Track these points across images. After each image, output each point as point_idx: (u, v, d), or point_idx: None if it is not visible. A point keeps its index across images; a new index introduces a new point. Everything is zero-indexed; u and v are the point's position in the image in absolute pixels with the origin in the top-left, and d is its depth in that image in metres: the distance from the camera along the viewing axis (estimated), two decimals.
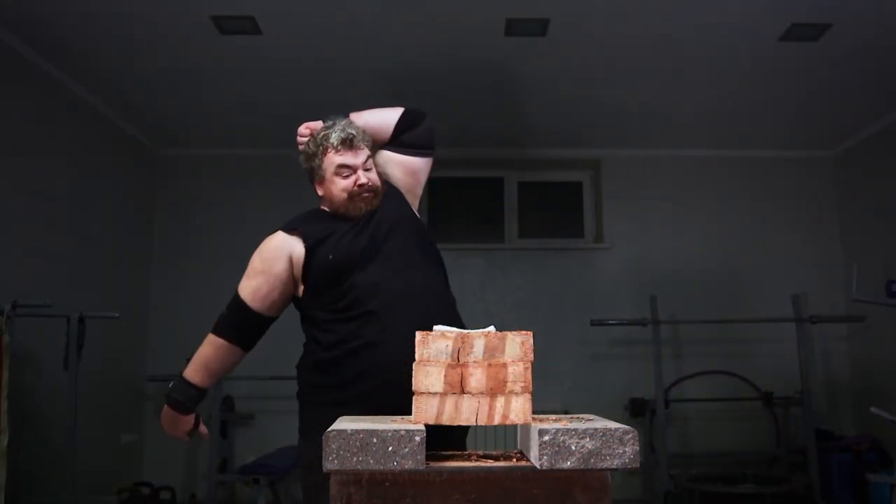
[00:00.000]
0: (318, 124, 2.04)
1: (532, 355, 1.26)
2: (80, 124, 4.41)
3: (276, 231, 1.97)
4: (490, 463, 1.24)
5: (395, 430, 1.17)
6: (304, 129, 2.06)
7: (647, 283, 5.05)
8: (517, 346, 1.26)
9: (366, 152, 1.97)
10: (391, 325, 1.81)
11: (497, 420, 1.24)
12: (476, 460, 1.27)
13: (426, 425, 1.23)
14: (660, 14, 3.50)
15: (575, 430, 1.16)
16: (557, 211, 5.68)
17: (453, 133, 4.98)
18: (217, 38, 3.68)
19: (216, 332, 1.96)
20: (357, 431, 1.16)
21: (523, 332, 1.27)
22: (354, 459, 1.15)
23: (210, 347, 1.96)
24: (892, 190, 4.80)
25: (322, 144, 1.95)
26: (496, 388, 1.25)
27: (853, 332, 5.21)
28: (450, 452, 1.36)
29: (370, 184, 1.95)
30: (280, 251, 1.93)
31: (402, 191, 2.07)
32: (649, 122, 4.98)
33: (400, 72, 4.12)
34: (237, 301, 1.95)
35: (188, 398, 1.95)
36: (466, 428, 1.56)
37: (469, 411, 1.24)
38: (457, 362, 1.25)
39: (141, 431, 5.10)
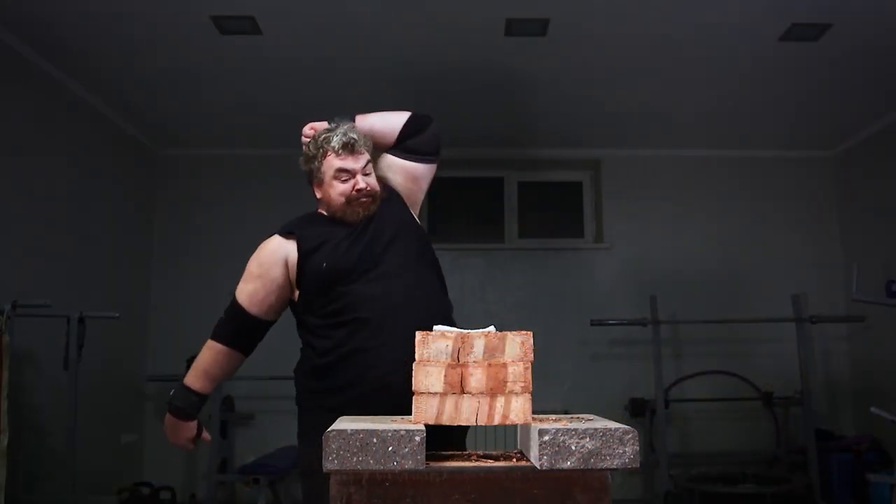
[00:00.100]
0: (324, 125, 2.03)
1: (532, 355, 1.26)
2: (80, 124, 4.41)
3: (272, 234, 1.97)
4: (490, 463, 1.24)
5: (395, 430, 1.17)
6: (308, 129, 2.05)
7: (647, 283, 5.04)
8: (517, 346, 1.26)
9: (366, 157, 1.96)
10: (383, 332, 1.81)
11: (497, 420, 1.24)
12: (476, 460, 1.27)
13: (426, 425, 1.23)
14: (660, 14, 3.50)
15: (575, 430, 1.16)
16: (557, 211, 5.68)
17: (453, 133, 4.97)
18: (217, 38, 3.68)
19: (215, 338, 1.96)
20: (357, 431, 1.16)
21: (523, 332, 1.27)
22: (354, 459, 1.15)
23: (209, 353, 1.96)
24: (892, 190, 4.80)
25: (322, 147, 1.94)
26: (496, 388, 1.25)
27: (853, 332, 5.21)
28: (450, 452, 1.36)
29: (368, 189, 1.94)
30: (276, 255, 1.92)
31: (403, 196, 2.06)
32: (649, 122, 4.98)
33: (400, 72, 4.12)
34: (235, 306, 1.95)
35: (189, 404, 1.95)
36: (466, 428, 1.55)
37: (469, 411, 1.24)
38: (457, 362, 1.25)
39: (141, 431, 5.10)
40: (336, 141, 1.92)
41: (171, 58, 3.93)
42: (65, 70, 4.07)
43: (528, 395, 1.25)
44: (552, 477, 1.19)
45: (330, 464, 1.16)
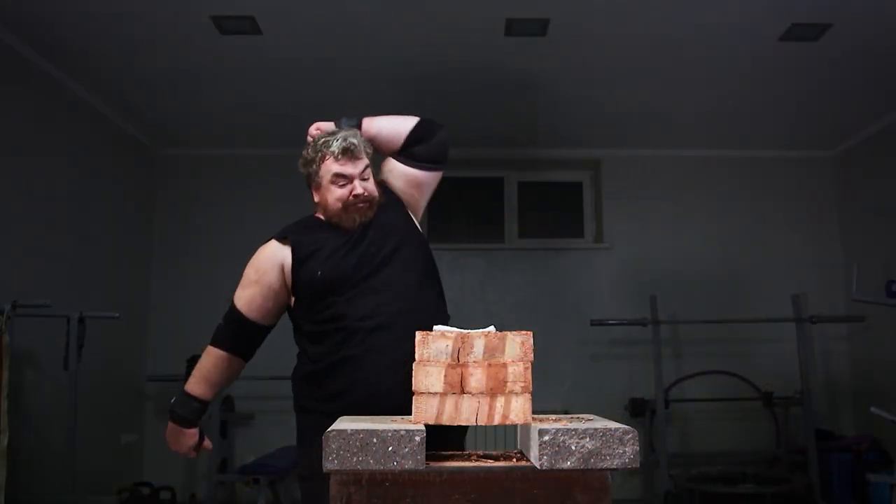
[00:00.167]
0: (331, 125, 2.02)
1: (532, 355, 1.26)
2: (80, 124, 4.41)
3: (269, 239, 1.96)
4: (490, 463, 1.24)
5: (395, 430, 1.16)
6: (314, 129, 2.04)
7: (647, 283, 5.04)
8: (517, 346, 1.26)
9: (364, 162, 1.93)
10: (375, 341, 1.80)
11: (497, 420, 1.24)
12: (476, 460, 1.27)
13: (426, 425, 1.23)
14: (660, 14, 3.50)
15: (575, 430, 1.16)
16: (557, 211, 5.68)
17: (453, 133, 4.86)
18: (217, 38, 3.68)
19: (214, 344, 1.96)
20: (357, 431, 1.16)
21: (523, 332, 1.27)
22: (354, 459, 1.15)
23: (210, 359, 1.96)
24: (892, 190, 4.80)
25: (321, 151, 1.92)
26: (496, 388, 1.24)
27: (853, 332, 5.21)
28: (450, 452, 1.36)
29: (366, 194, 1.91)
30: (272, 261, 1.92)
31: (404, 201, 2.04)
32: (649, 122, 4.98)
33: (400, 72, 4.12)
34: (233, 311, 1.95)
35: (191, 411, 1.95)
36: (465, 428, 1.55)
37: (469, 411, 1.24)
38: (457, 362, 1.25)
39: (141, 431, 5.10)
40: (336, 146, 1.90)
41: (171, 58, 3.93)
42: (65, 70, 4.07)
43: (528, 395, 1.25)
44: (552, 477, 1.19)
45: (330, 464, 1.16)
